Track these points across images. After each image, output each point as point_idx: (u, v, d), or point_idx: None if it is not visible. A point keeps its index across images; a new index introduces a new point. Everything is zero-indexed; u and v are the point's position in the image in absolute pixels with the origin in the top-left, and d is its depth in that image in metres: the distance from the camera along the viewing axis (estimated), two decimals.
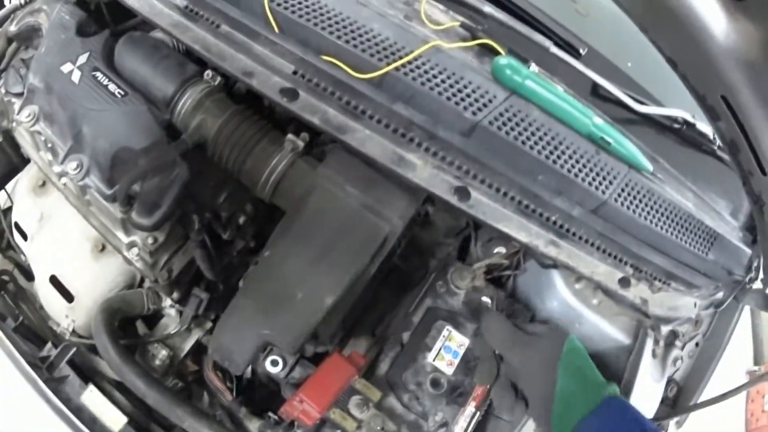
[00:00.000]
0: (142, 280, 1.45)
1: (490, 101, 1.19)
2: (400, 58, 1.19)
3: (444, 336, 1.26)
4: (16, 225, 1.52)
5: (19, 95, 1.42)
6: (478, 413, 1.20)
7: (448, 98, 1.17)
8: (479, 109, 1.18)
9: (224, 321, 1.20)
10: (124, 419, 1.26)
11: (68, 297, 1.42)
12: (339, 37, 1.20)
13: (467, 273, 1.30)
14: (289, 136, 1.28)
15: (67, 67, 1.35)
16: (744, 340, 2.44)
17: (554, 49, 1.37)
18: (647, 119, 1.46)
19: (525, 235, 1.19)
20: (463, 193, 1.17)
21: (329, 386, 1.13)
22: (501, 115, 1.19)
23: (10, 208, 1.59)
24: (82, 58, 1.36)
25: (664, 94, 1.60)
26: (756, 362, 2.61)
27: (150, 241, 1.29)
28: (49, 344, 1.34)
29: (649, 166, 1.31)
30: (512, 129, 1.19)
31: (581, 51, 1.45)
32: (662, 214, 1.31)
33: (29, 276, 1.63)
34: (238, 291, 1.23)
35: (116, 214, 1.28)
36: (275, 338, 1.16)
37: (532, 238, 1.19)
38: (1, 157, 1.57)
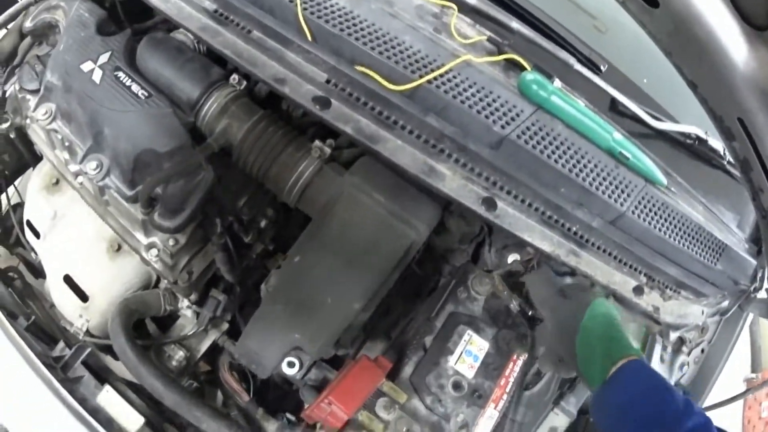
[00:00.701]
0: (158, 281, 1.50)
1: (518, 115, 1.29)
2: (432, 71, 1.27)
3: (465, 340, 1.35)
4: (28, 222, 1.56)
5: (34, 92, 1.46)
6: (498, 414, 1.31)
7: (478, 111, 1.26)
8: (507, 123, 1.27)
9: (253, 325, 1.27)
10: (141, 420, 1.31)
11: (82, 297, 1.47)
12: (373, 48, 1.27)
13: (488, 279, 1.40)
14: (317, 142, 1.35)
15: (87, 66, 1.40)
16: (742, 348, 2.58)
17: (578, 66, 1.46)
18: (661, 134, 1.57)
19: (548, 245, 1.29)
20: (490, 203, 1.26)
21: (358, 390, 1.21)
22: (528, 129, 1.28)
23: (19, 204, 1.64)
24: (104, 57, 1.41)
25: (676, 109, 1.70)
26: (753, 370, 2.77)
27: (171, 243, 1.35)
28: (62, 344, 1.38)
29: (664, 180, 1.43)
30: (538, 143, 1.28)
31: (602, 67, 1.55)
32: (675, 226, 1.43)
33: (36, 272, 1.68)
34: (265, 296, 1.31)
35: (137, 215, 1.34)
36: (304, 343, 1.24)
37: (554, 247, 1.30)
38: (12, 153, 1.62)
